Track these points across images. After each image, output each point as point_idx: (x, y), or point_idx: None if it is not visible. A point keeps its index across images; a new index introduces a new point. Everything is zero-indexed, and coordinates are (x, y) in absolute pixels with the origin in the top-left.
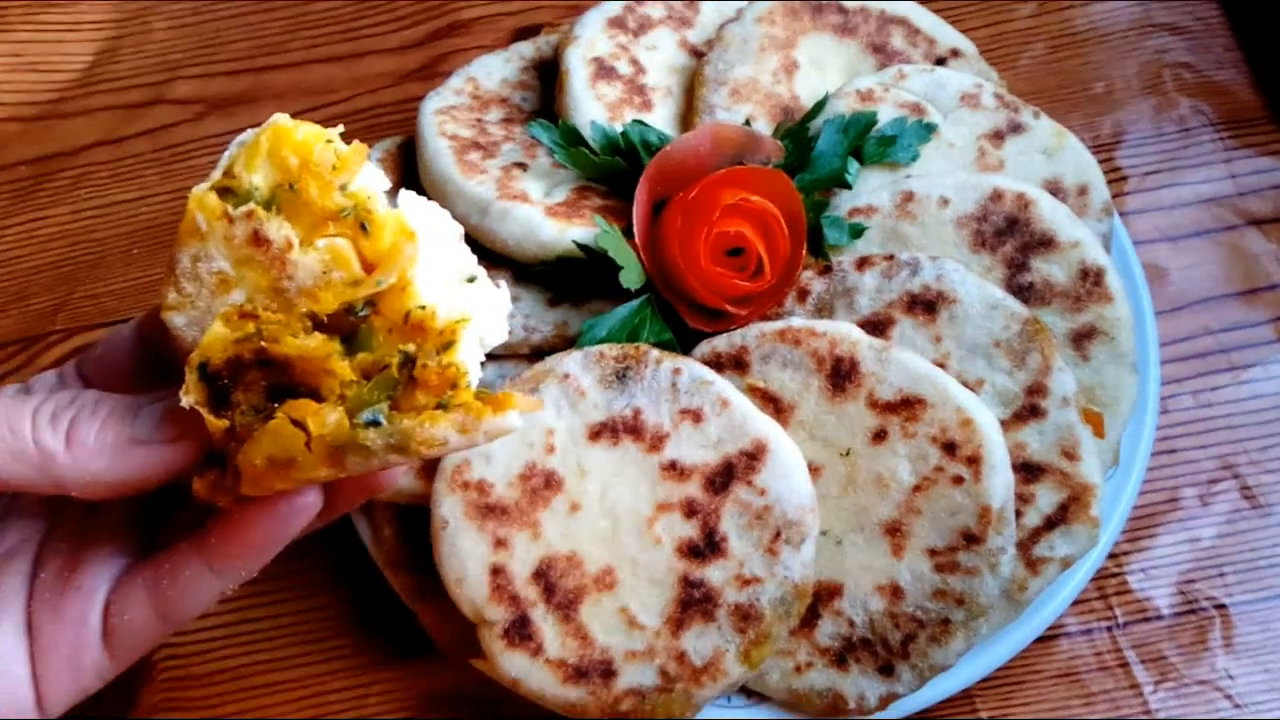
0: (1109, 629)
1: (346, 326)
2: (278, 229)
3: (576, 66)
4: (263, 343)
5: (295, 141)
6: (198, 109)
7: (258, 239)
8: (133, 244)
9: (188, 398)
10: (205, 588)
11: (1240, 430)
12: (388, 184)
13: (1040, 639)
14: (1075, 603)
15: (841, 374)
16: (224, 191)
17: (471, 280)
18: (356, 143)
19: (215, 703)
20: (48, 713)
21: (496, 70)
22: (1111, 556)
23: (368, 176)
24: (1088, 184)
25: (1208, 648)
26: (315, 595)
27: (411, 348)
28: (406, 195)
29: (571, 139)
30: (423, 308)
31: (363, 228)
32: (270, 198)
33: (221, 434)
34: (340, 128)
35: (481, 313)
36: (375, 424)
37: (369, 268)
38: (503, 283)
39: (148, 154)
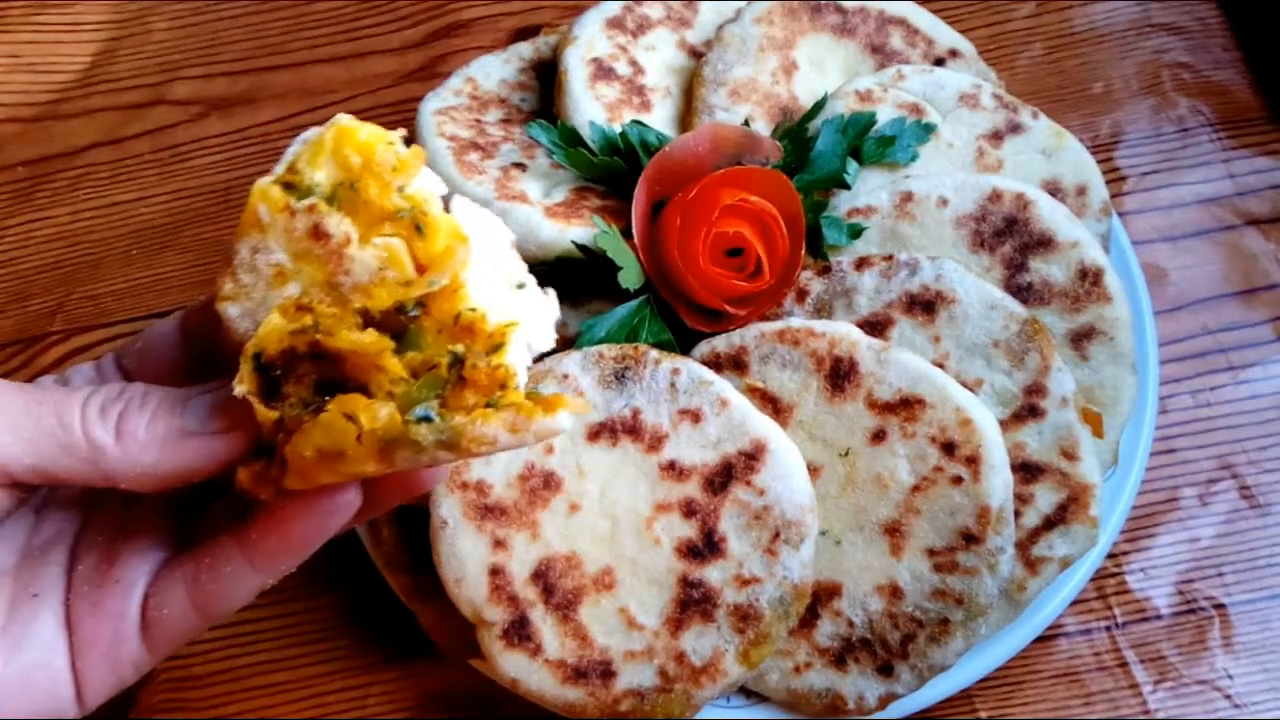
0: (1108, 629)
1: (396, 325)
2: (338, 224)
3: (575, 67)
4: (318, 335)
5: (358, 141)
6: (197, 110)
7: (318, 233)
8: (132, 245)
9: (241, 387)
10: (244, 583)
11: (1239, 430)
12: (444, 189)
13: (1040, 639)
14: (1074, 603)
15: (840, 374)
16: (286, 186)
17: (521, 287)
18: (416, 146)
19: (216, 703)
20: (86, 706)
21: (495, 71)
22: (1111, 556)
23: (425, 180)
24: (1086, 184)
25: (1207, 647)
26: (315, 595)
27: (460, 348)
28: (460, 200)
29: (570, 139)
30: (473, 310)
31: (417, 229)
32: (331, 195)
33: (271, 425)
34: (402, 131)
35: (530, 318)
36: (427, 420)
37: (421, 269)
38: (551, 291)
39: (147, 155)
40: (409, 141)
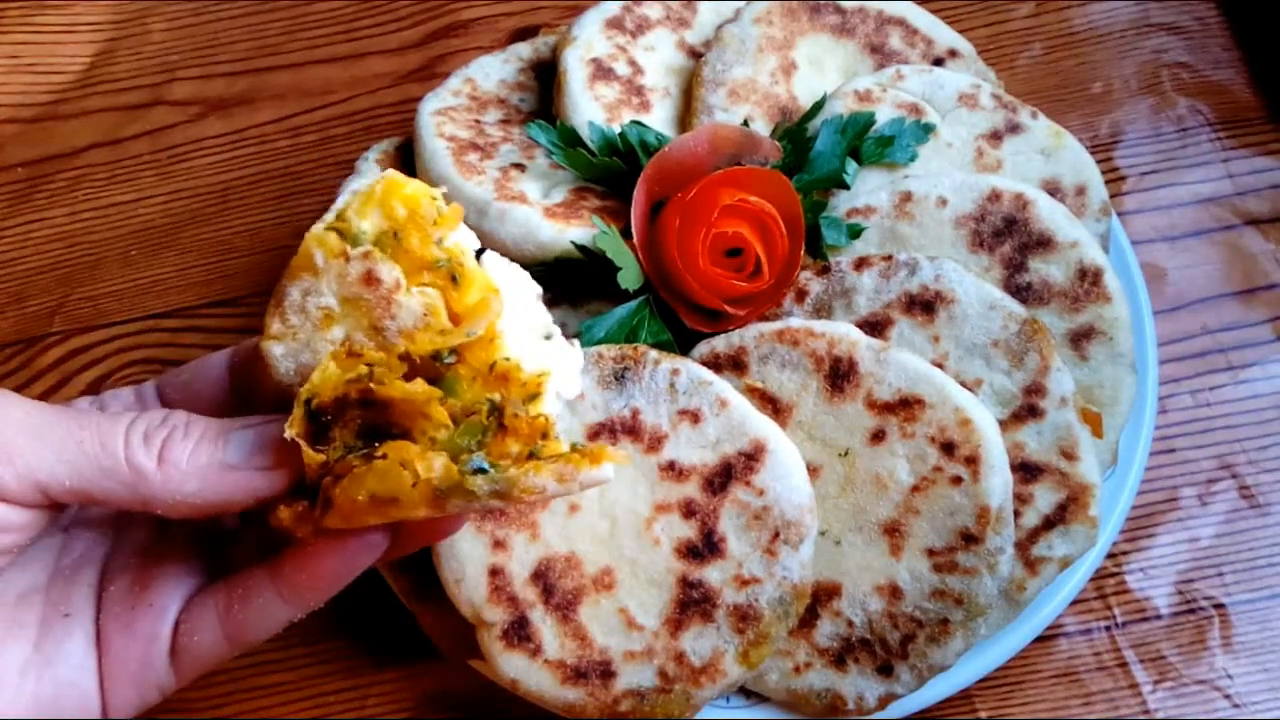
0: (1108, 629)
1: (431, 372)
2: (389, 271)
3: (574, 67)
4: (371, 384)
5: (405, 194)
6: (196, 110)
7: (370, 278)
8: (131, 245)
9: (292, 430)
10: (275, 615)
11: (1239, 430)
12: (477, 243)
13: (1039, 639)
14: (1074, 602)
15: (840, 374)
16: (336, 234)
17: (549, 337)
18: (455, 204)
19: (215, 703)
20: None
21: (494, 71)
22: (1110, 556)
23: (462, 234)
24: (1086, 184)
25: (1206, 647)
26: None
27: (498, 396)
28: (491, 255)
29: (569, 140)
30: (508, 359)
31: (453, 280)
32: (376, 243)
33: (316, 467)
34: (443, 188)
35: (558, 368)
36: (482, 471)
37: (455, 319)
38: (576, 342)
39: (146, 155)
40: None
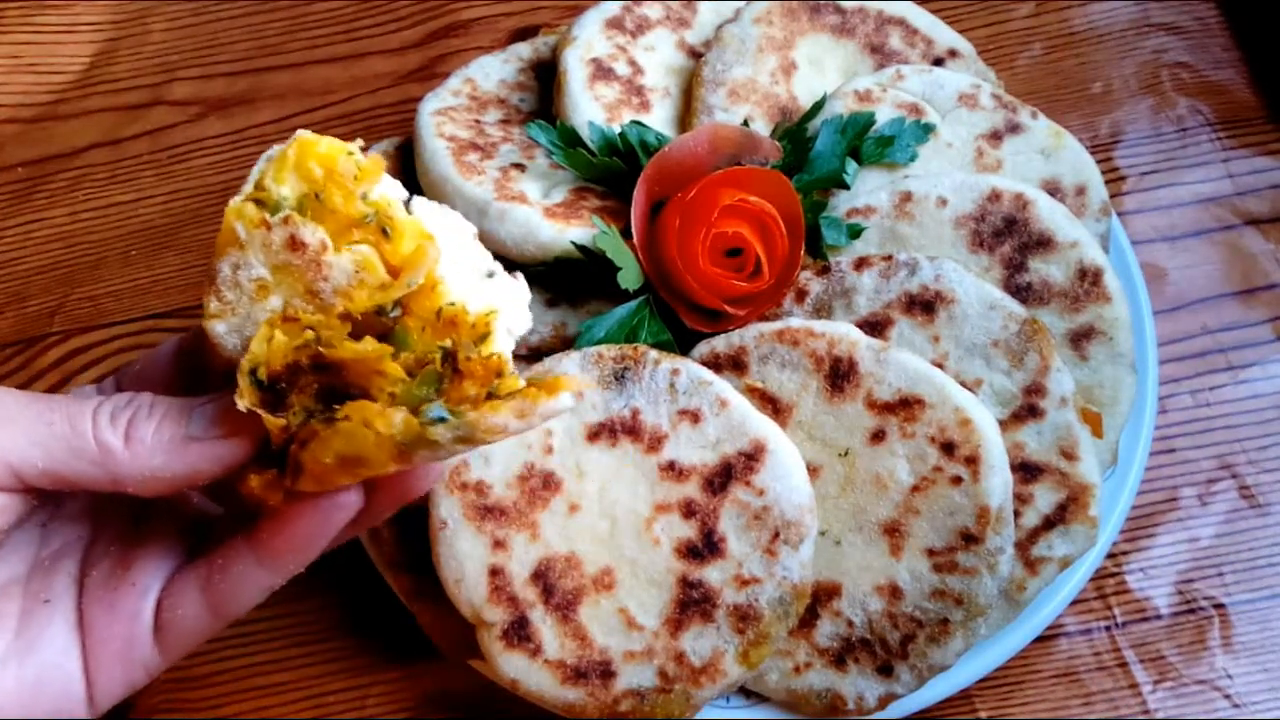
0: (1108, 629)
1: (378, 327)
2: (312, 233)
3: (574, 67)
4: (320, 348)
5: (319, 153)
6: (196, 110)
7: (294, 243)
8: (131, 245)
9: (243, 401)
10: (256, 582)
11: (1239, 430)
12: (404, 193)
13: (1039, 639)
14: (1074, 602)
15: (840, 374)
16: (256, 203)
17: (490, 275)
18: (374, 154)
19: (216, 704)
20: (98, 707)
21: (494, 71)
22: (1110, 556)
23: (386, 186)
24: (1086, 184)
25: (1206, 647)
26: (315, 596)
27: (449, 343)
28: (419, 201)
29: (569, 140)
30: (453, 304)
31: (384, 233)
32: (298, 207)
33: (279, 432)
34: (359, 141)
35: (505, 304)
36: (442, 420)
37: (392, 271)
38: (519, 274)
39: (146, 155)
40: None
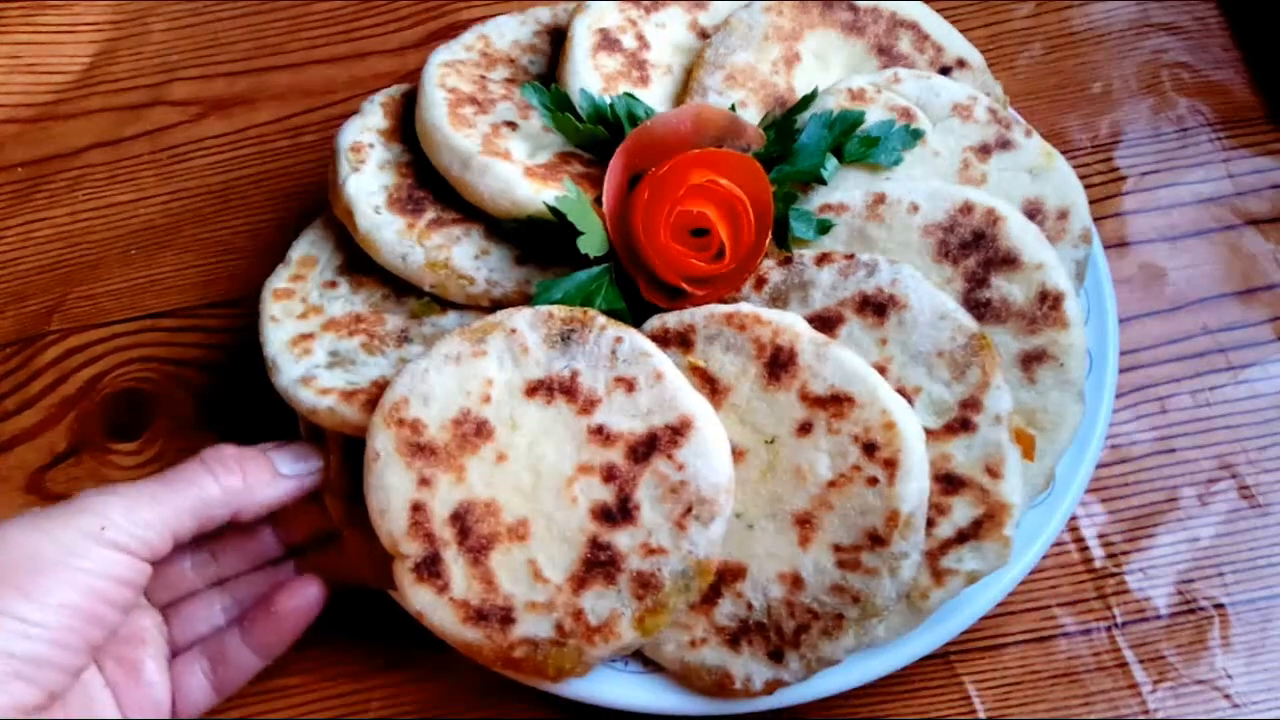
0: (1107, 629)
1: None
2: None
3: (580, 34)
4: None
5: None
6: (196, 110)
7: None
8: (130, 245)
9: None
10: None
11: (1239, 430)
12: None
13: (1040, 639)
14: (1073, 602)
15: (779, 363)
16: None
17: None
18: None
19: (216, 708)
20: None
21: (510, 31)
22: (1110, 556)
23: None
24: (1069, 208)
25: (1206, 647)
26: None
27: None
28: None
29: (560, 104)
30: None
31: None
32: None
33: None
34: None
35: None
36: None
37: None
38: None
39: (146, 155)
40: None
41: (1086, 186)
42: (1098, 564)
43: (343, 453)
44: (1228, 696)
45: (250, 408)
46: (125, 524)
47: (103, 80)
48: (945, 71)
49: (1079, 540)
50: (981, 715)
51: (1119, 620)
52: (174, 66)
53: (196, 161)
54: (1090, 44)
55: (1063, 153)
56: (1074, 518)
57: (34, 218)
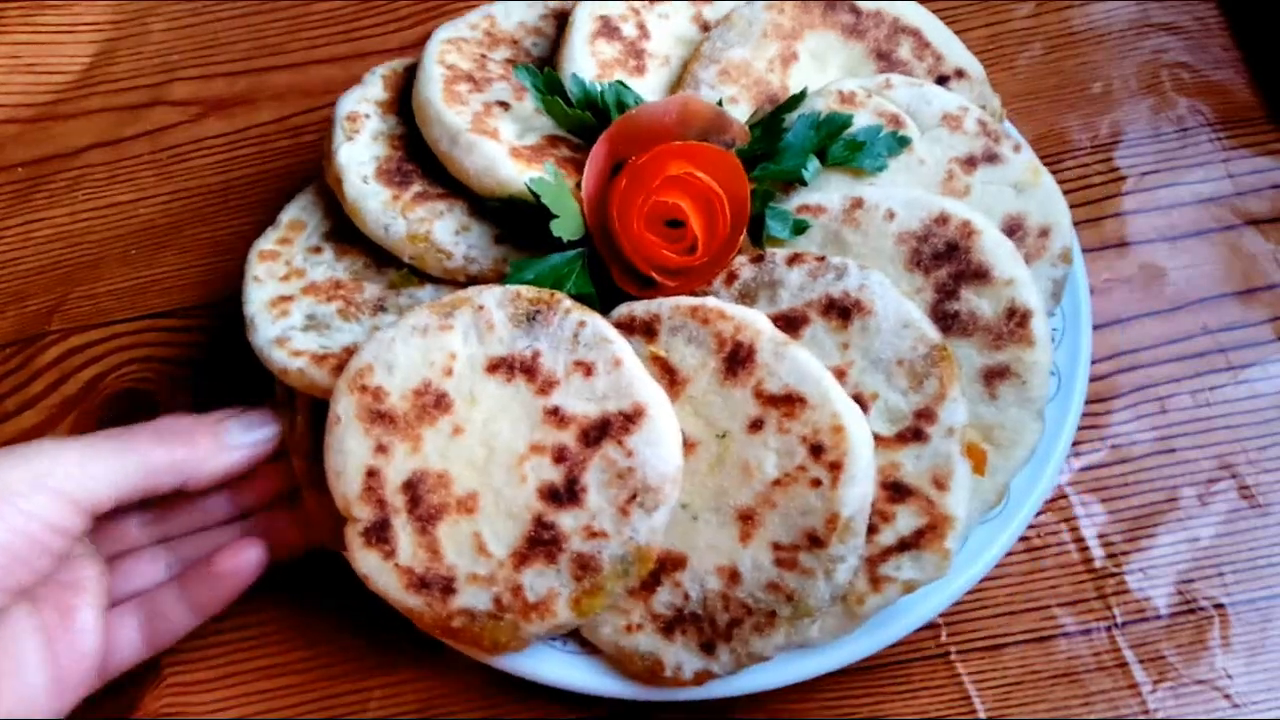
0: (1107, 629)
1: None
2: None
3: (581, 20)
4: None
5: None
6: (196, 110)
7: None
8: (130, 245)
9: None
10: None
11: (1239, 430)
12: None
13: (1039, 639)
14: (1073, 602)
15: (738, 359)
16: None
17: None
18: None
19: (217, 708)
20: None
21: (516, 13)
22: (1110, 556)
23: None
24: (1051, 226)
25: (1206, 647)
26: (318, 599)
27: None
28: None
29: (552, 87)
30: None
31: None
32: None
33: None
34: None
35: None
36: None
37: None
38: None
39: (146, 155)
40: None
41: (1086, 187)
42: (1098, 564)
43: (311, 414)
44: (1228, 696)
45: (250, 407)
46: (75, 474)
47: (103, 80)
48: (943, 81)
49: (1079, 540)
50: (981, 715)
51: (1119, 620)
52: (174, 66)
53: (196, 161)
54: (1090, 44)
55: (1063, 153)
56: (1074, 518)
57: (34, 218)
